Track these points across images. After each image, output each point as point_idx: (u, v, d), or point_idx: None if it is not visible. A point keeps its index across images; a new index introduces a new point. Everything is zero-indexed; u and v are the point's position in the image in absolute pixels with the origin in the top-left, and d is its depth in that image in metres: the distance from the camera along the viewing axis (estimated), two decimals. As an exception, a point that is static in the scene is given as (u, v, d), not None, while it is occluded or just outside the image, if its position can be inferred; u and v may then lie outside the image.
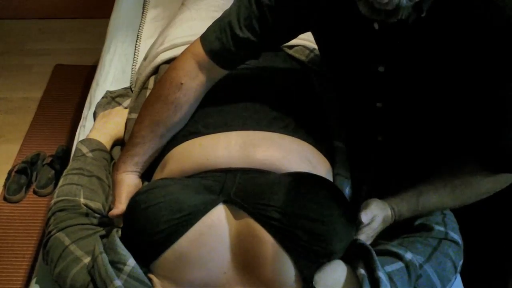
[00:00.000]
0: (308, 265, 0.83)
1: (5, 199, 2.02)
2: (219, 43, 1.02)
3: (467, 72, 0.88)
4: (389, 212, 0.95)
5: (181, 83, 1.04)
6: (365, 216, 0.91)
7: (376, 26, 0.91)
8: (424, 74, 0.93)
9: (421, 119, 1.01)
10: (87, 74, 2.49)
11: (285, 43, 1.17)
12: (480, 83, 0.88)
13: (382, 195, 0.98)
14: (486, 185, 0.95)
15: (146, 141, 1.05)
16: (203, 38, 1.05)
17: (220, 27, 1.03)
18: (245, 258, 0.85)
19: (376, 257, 0.84)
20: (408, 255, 0.86)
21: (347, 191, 1.02)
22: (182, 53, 1.08)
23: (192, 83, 1.04)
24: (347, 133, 1.13)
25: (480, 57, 0.85)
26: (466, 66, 0.87)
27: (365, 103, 1.05)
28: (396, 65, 0.94)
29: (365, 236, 0.91)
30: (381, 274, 0.81)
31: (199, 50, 1.04)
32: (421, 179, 0.98)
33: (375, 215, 0.92)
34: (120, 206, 0.98)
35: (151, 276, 0.86)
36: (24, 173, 2.05)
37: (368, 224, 0.91)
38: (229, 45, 1.02)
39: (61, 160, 2.10)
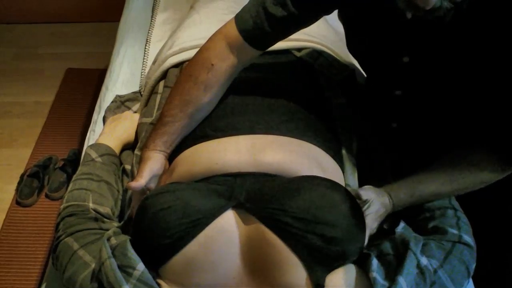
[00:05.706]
0: (320, 268, 0.82)
1: (17, 202, 2.04)
2: (253, 22, 1.01)
3: (490, 66, 0.88)
4: (385, 195, 0.95)
5: (212, 64, 1.04)
6: (362, 191, 0.92)
7: (409, 15, 0.91)
8: (448, 67, 0.93)
9: (437, 108, 1.01)
10: (98, 78, 2.50)
11: (315, 22, 1.12)
12: (502, 76, 0.88)
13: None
14: (487, 175, 0.96)
15: (176, 120, 1.05)
16: (237, 18, 1.04)
17: (255, 6, 1.02)
18: (255, 263, 0.84)
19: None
20: (424, 260, 0.85)
21: None
22: (214, 34, 1.08)
23: (222, 64, 1.04)
24: (363, 119, 1.13)
25: (507, 53, 0.85)
26: (490, 61, 0.88)
27: (383, 90, 1.06)
28: (422, 56, 0.94)
29: (370, 219, 0.90)
30: (401, 279, 0.80)
31: (232, 30, 1.04)
32: (427, 165, 0.99)
33: (371, 197, 0.92)
34: (140, 180, 0.98)
35: (159, 281, 0.86)
36: (36, 177, 2.07)
37: (368, 204, 0.91)
38: (263, 25, 1.01)
39: (73, 163, 2.11)
